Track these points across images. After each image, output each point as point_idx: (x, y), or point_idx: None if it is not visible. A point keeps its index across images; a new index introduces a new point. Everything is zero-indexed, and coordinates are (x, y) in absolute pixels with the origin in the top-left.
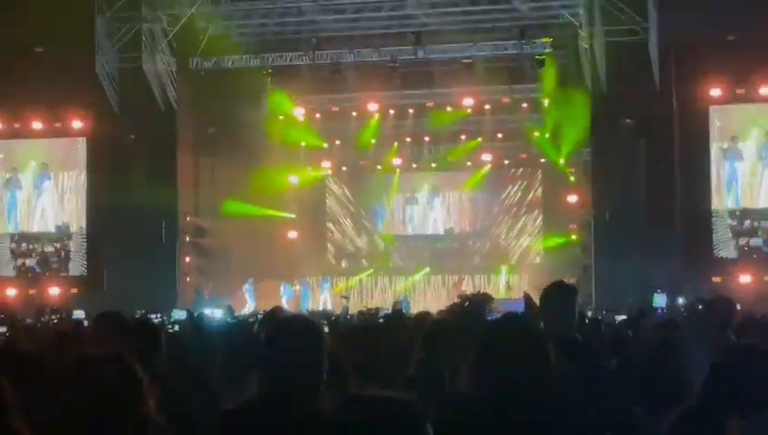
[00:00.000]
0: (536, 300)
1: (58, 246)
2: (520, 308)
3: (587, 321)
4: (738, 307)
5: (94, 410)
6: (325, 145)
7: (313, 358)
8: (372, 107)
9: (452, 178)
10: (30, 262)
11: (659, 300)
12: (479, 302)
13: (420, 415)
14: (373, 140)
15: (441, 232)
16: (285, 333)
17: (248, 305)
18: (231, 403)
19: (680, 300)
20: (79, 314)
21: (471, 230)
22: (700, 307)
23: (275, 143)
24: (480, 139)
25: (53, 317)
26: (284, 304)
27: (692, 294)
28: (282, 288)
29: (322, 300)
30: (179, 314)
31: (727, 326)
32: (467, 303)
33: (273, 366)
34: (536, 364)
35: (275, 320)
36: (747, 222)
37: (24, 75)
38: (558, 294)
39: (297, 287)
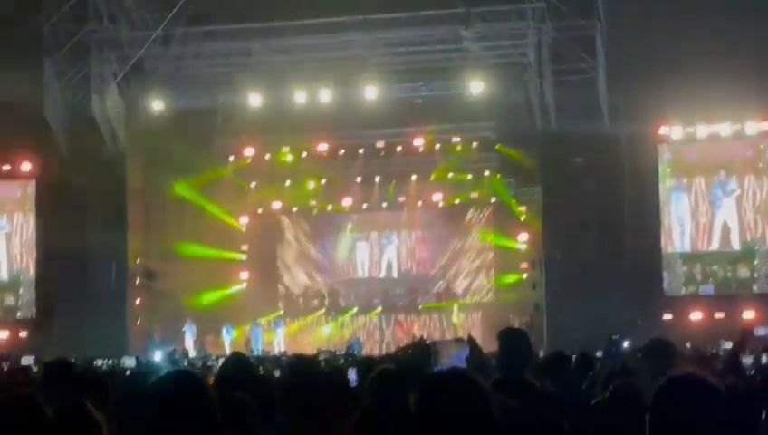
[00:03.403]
0: (490, 338)
1: (11, 294)
2: (463, 362)
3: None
4: (688, 345)
5: None
6: (274, 185)
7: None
8: (323, 147)
9: (403, 218)
10: None
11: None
12: (420, 354)
13: None
14: (323, 180)
15: (395, 274)
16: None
17: (187, 346)
18: None
19: (625, 344)
20: (28, 360)
21: (423, 270)
22: (639, 355)
23: (226, 184)
24: (431, 178)
25: (2, 365)
26: (227, 346)
27: (643, 332)
28: (224, 330)
29: (276, 342)
30: (129, 362)
31: (669, 368)
32: (409, 351)
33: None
34: (479, 423)
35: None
36: (698, 267)
37: None
38: (511, 338)
39: (247, 329)
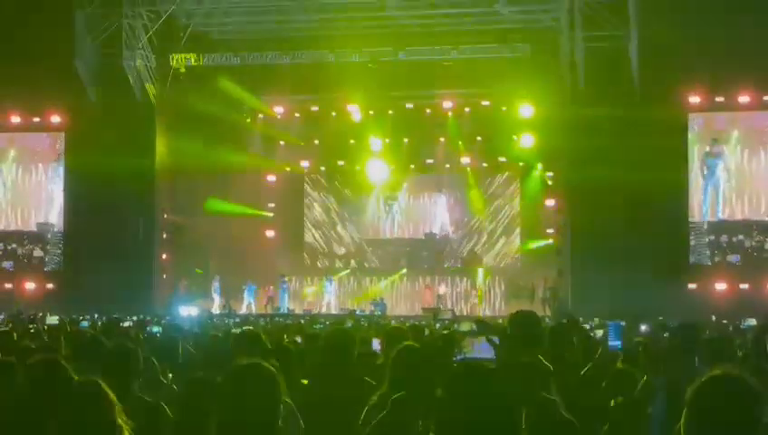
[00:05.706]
0: (516, 304)
1: (39, 246)
2: (487, 351)
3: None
4: (713, 318)
5: None
6: (303, 144)
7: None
8: (352, 108)
9: (430, 180)
10: (6, 264)
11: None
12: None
13: None
14: (352, 141)
15: (421, 236)
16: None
17: (215, 304)
18: None
19: (642, 327)
20: (53, 319)
21: (449, 233)
22: (666, 335)
23: (254, 141)
24: (459, 142)
25: (30, 327)
26: (246, 304)
27: (667, 302)
28: (244, 287)
29: (326, 302)
30: (156, 330)
31: (692, 352)
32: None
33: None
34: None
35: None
36: (725, 237)
37: (2, 70)
38: (524, 322)
39: (270, 287)
